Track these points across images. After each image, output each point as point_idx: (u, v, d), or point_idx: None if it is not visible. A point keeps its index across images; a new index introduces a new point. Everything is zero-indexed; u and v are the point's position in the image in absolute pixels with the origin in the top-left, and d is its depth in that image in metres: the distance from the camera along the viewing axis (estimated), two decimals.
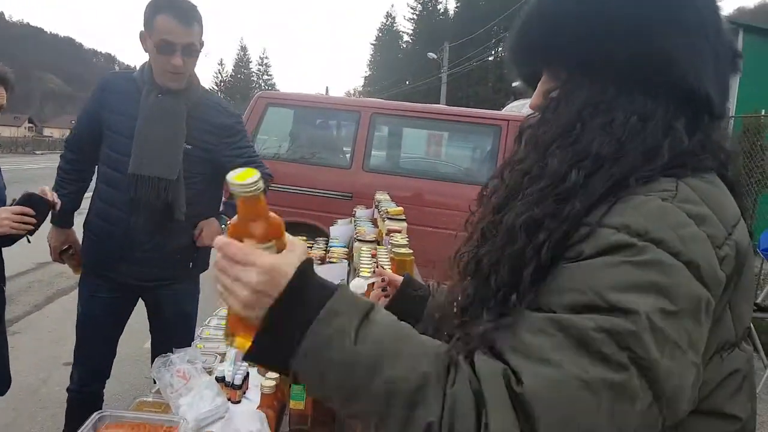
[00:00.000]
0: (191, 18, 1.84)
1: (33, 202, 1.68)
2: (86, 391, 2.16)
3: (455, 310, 0.76)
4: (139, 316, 4.38)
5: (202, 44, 1.94)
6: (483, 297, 0.68)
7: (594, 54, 0.69)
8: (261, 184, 0.60)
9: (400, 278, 1.14)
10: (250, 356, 0.64)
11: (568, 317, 0.58)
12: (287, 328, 0.61)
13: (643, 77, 0.68)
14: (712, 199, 0.64)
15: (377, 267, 1.29)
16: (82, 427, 1.02)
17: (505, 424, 0.55)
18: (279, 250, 0.64)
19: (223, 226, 2.11)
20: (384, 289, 1.13)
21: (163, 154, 1.90)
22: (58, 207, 1.77)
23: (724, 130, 0.76)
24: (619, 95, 0.68)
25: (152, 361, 2.28)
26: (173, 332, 2.18)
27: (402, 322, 0.65)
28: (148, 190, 1.89)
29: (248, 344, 0.63)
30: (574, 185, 0.65)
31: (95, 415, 1.05)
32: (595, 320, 0.56)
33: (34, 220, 1.65)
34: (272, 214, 0.64)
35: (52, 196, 1.73)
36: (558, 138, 0.69)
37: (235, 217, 0.64)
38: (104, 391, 2.25)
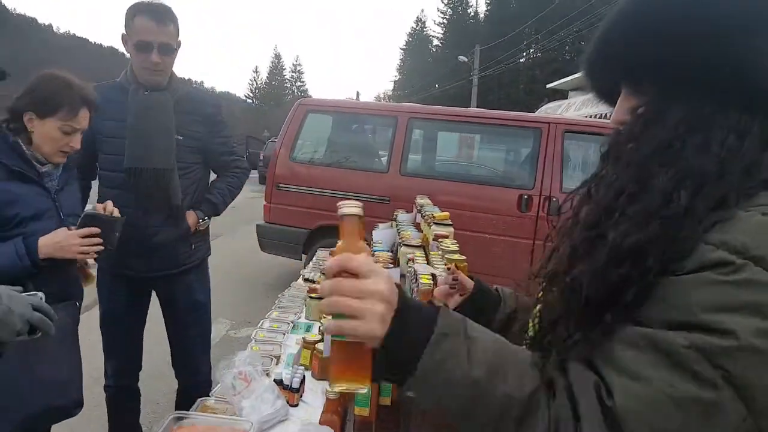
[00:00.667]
0: (166, 18, 1.98)
1: (96, 221, 1.68)
2: (122, 386, 2.24)
3: (543, 323, 0.75)
4: None
5: (178, 44, 2.06)
6: (571, 310, 0.68)
7: (688, 72, 0.68)
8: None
9: (471, 282, 1.14)
10: (376, 376, 0.65)
11: (662, 333, 0.58)
12: (406, 347, 0.63)
13: (739, 93, 0.67)
14: None
15: (451, 265, 1.27)
16: (160, 427, 1.05)
17: None
18: None
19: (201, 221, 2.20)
20: (453, 287, 1.13)
21: (156, 146, 2.01)
22: (122, 217, 1.77)
23: None
24: (714, 112, 0.67)
25: (172, 355, 2.34)
26: (188, 323, 2.27)
27: (494, 335, 0.67)
28: (146, 181, 1.99)
29: (362, 384, 0.64)
30: (682, 207, 0.64)
31: (169, 417, 1.08)
32: (689, 338, 0.57)
33: (100, 240, 1.65)
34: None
35: (113, 211, 1.74)
36: (654, 156, 0.68)
37: (340, 242, 0.65)
38: (157, 389, 2.32)
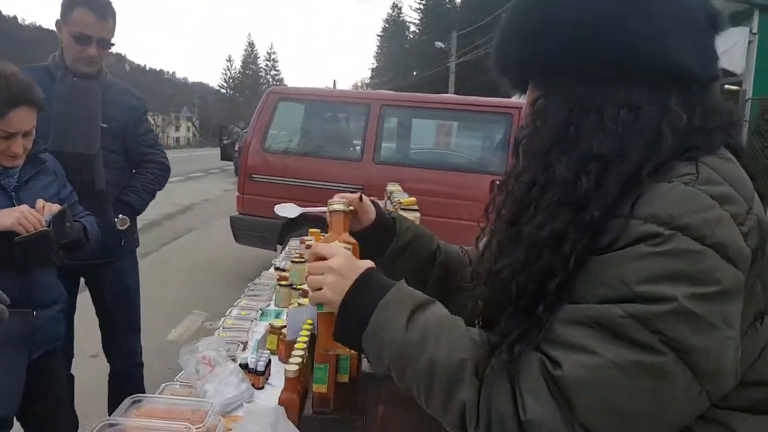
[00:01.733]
0: (107, 13, 2.05)
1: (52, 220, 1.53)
2: None
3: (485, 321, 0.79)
4: (160, 309, 4.42)
5: (112, 36, 2.13)
6: (506, 307, 0.70)
7: (563, 57, 0.71)
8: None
9: (373, 215, 1.03)
10: (336, 336, 0.78)
11: (600, 307, 0.61)
12: (358, 311, 0.75)
13: (615, 68, 0.69)
14: (732, 175, 0.65)
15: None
16: (117, 410, 1.07)
17: (541, 408, 0.61)
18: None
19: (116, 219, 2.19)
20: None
21: (82, 131, 2.05)
22: (63, 206, 1.61)
23: (718, 95, 0.76)
24: (600, 91, 0.70)
25: (103, 342, 2.32)
26: (120, 308, 2.31)
27: (451, 316, 0.73)
28: (70, 164, 1.97)
29: (341, 349, 0.82)
30: (587, 192, 0.66)
31: (128, 400, 1.10)
32: (625, 308, 0.60)
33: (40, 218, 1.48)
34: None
35: (45, 207, 1.55)
36: (554, 143, 0.71)
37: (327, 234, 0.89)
38: (90, 376, 2.39)
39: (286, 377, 1.19)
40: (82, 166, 2.03)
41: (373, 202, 1.04)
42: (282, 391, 1.21)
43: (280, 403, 1.16)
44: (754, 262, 0.63)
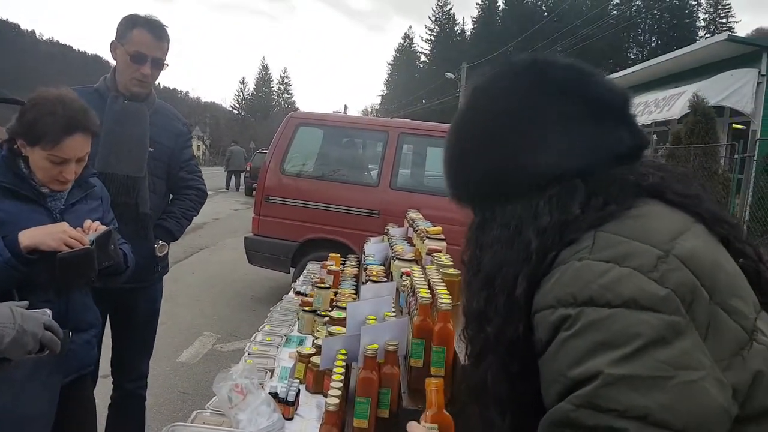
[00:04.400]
0: (163, 35, 2.10)
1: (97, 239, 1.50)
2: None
3: None
4: (170, 330, 4.37)
5: (165, 58, 2.15)
6: None
7: (460, 188, 0.83)
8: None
9: None
10: None
11: (556, 408, 0.63)
12: None
13: (493, 190, 0.77)
14: (639, 228, 0.67)
15: None
16: None
17: None
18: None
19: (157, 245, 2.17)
20: None
21: (130, 153, 2.04)
22: (109, 227, 1.60)
23: (645, 158, 0.78)
24: (489, 213, 0.78)
25: (113, 365, 2.25)
26: (142, 331, 2.28)
27: None
28: (116, 187, 1.96)
29: None
30: (484, 313, 0.75)
31: (168, 428, 1.07)
32: (570, 400, 0.61)
33: (81, 243, 1.45)
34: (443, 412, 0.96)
35: (96, 228, 1.55)
36: (469, 264, 0.80)
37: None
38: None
39: (326, 410, 1.16)
40: (128, 189, 2.01)
41: None
42: (322, 424, 1.18)
43: None
44: (694, 296, 0.62)
